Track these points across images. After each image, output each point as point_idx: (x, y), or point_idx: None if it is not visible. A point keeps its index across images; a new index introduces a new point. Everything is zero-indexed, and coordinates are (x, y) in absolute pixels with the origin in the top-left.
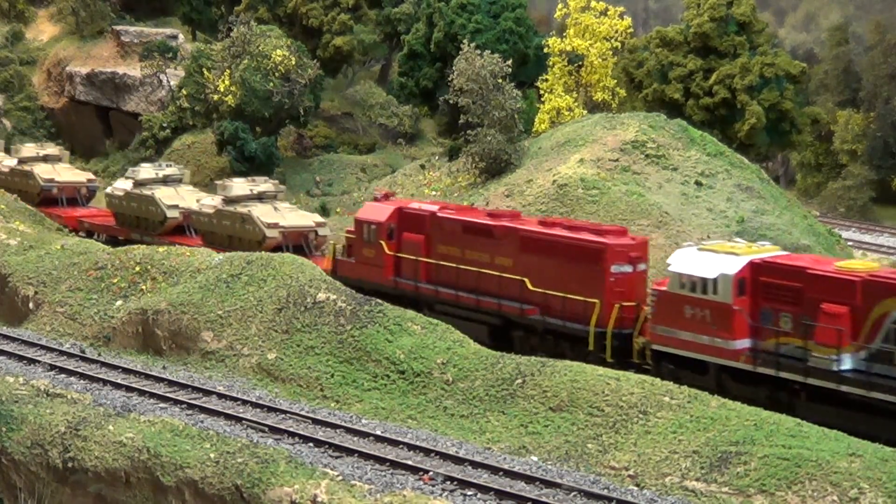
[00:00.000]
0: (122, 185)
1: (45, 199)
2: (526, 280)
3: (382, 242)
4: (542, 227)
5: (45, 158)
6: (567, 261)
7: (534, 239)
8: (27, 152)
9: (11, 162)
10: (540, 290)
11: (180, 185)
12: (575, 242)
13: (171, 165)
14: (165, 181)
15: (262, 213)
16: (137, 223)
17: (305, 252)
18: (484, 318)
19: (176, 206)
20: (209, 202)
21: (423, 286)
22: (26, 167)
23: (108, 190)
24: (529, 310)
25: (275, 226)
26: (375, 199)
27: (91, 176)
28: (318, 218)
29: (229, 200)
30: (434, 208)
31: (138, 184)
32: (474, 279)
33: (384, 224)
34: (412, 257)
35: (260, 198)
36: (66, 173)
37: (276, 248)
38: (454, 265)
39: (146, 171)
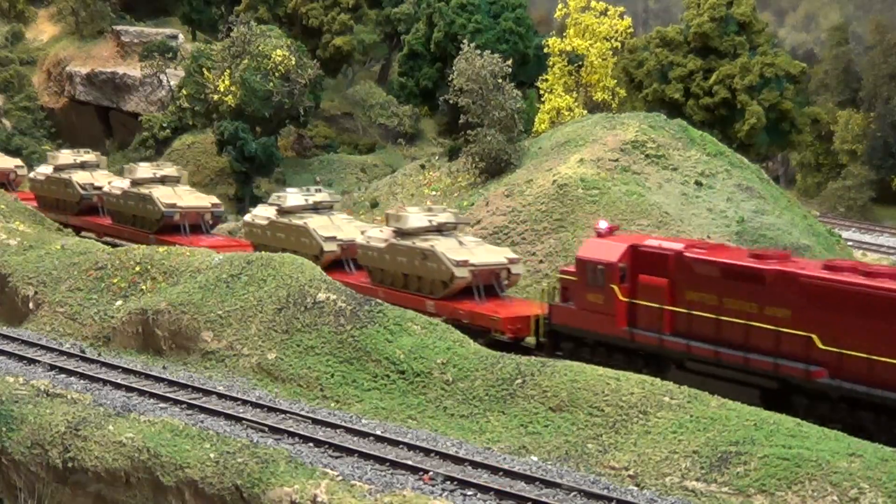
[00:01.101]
0: (264, 212)
1: (165, 226)
2: (813, 337)
3: (614, 287)
4: (831, 273)
5: (163, 180)
6: (871, 315)
7: (822, 287)
8: (142, 173)
9: (123, 183)
10: (833, 349)
11: (331, 212)
12: (883, 293)
13: (320, 190)
14: (317, 209)
15: (448, 248)
16: None
17: (497, 291)
18: (754, 380)
19: (333, 239)
20: (378, 234)
21: (669, 339)
22: (143, 190)
23: (248, 218)
24: (817, 372)
25: (464, 263)
26: (598, 234)
27: (216, 200)
28: (510, 253)
29: (403, 233)
30: (678, 246)
31: (284, 212)
32: (740, 333)
33: (615, 265)
34: (653, 305)
35: (440, 230)
36: (189, 197)
37: (466, 289)
38: (711, 315)
39: (294, 197)
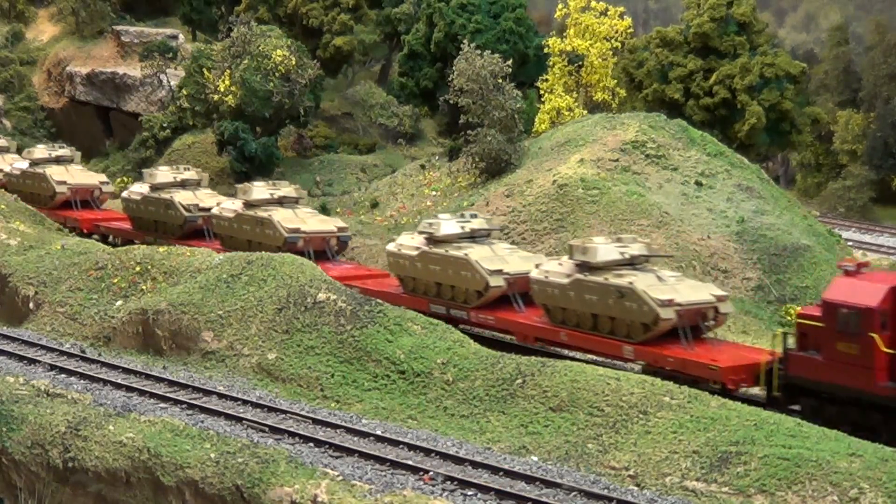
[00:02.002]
0: (411, 241)
1: (291, 252)
2: None
3: (873, 335)
4: None
5: (282, 202)
6: None
7: None
8: (258, 194)
9: (235, 205)
10: None
11: (490, 241)
12: None
13: (475, 216)
14: (474, 237)
15: (650, 285)
16: (438, 292)
17: (701, 333)
18: None
19: (500, 272)
20: (557, 268)
21: None
22: (261, 213)
23: (393, 248)
24: None
25: (669, 303)
26: (846, 273)
27: (341, 223)
28: (715, 289)
29: (591, 267)
30: None
31: (437, 241)
32: None
33: (874, 310)
34: None
35: (632, 263)
36: (312, 221)
37: (669, 332)
38: None
39: (449, 224)
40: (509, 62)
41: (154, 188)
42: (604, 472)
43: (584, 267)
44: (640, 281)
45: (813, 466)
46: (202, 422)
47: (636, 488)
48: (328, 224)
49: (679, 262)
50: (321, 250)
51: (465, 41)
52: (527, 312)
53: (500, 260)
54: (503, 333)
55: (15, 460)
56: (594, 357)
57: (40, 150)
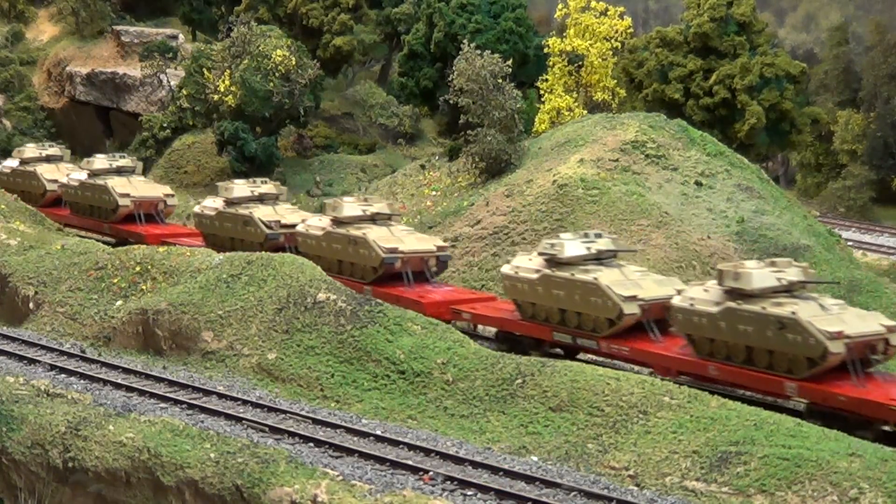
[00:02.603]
0: (528, 263)
1: (387, 274)
2: None
3: None
4: None
5: (375, 219)
6: None
7: None
8: (350, 210)
9: (322, 222)
10: None
11: (615, 262)
12: None
13: (600, 235)
14: (600, 259)
15: (814, 316)
16: (563, 319)
17: (870, 363)
18: None
19: (634, 298)
20: (702, 294)
21: None
22: (354, 232)
23: (509, 270)
24: None
25: (838, 335)
26: None
27: (440, 241)
28: (884, 318)
29: (745, 295)
30: None
31: (560, 263)
32: None
33: None
34: None
35: (789, 290)
36: (410, 239)
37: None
38: None
39: (573, 245)
40: (509, 62)
41: (230, 203)
42: (604, 472)
43: (735, 294)
44: (804, 310)
45: (813, 466)
46: (202, 422)
47: (636, 488)
48: (426, 243)
49: (680, 263)
50: (419, 271)
51: (464, 41)
52: (665, 342)
53: (633, 284)
54: (638, 365)
55: (15, 460)
56: (751, 394)
57: (100, 161)
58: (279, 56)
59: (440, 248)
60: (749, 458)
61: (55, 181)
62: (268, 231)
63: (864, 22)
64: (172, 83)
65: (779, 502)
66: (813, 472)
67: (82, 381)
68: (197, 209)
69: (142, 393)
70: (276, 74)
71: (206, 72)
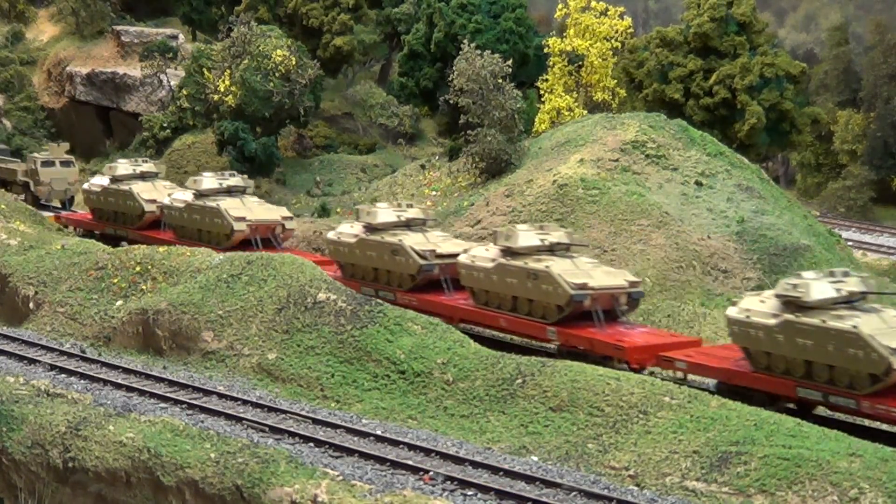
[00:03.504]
0: (760, 305)
1: (575, 314)
2: None
3: None
4: None
5: (552, 249)
6: None
7: None
8: (526, 240)
9: (489, 252)
10: None
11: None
12: None
13: (848, 274)
14: (850, 301)
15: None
16: (808, 372)
17: None
18: None
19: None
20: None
21: None
22: (533, 264)
23: (737, 314)
24: None
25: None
26: None
27: (632, 276)
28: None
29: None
30: None
31: (806, 308)
32: None
33: None
34: None
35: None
36: (597, 273)
37: None
38: None
39: (820, 287)
40: (509, 62)
41: (372, 229)
42: (604, 472)
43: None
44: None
45: (813, 466)
46: (202, 422)
47: (636, 488)
48: (616, 277)
49: (680, 263)
50: (611, 309)
51: (465, 41)
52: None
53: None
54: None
55: (15, 460)
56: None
57: (209, 180)
58: (279, 56)
59: (632, 284)
60: (749, 458)
61: (153, 201)
62: (422, 262)
63: (864, 22)
64: (172, 83)
65: (779, 502)
66: (813, 472)
67: (82, 381)
68: (331, 235)
69: (142, 393)
70: (277, 74)
71: (206, 72)
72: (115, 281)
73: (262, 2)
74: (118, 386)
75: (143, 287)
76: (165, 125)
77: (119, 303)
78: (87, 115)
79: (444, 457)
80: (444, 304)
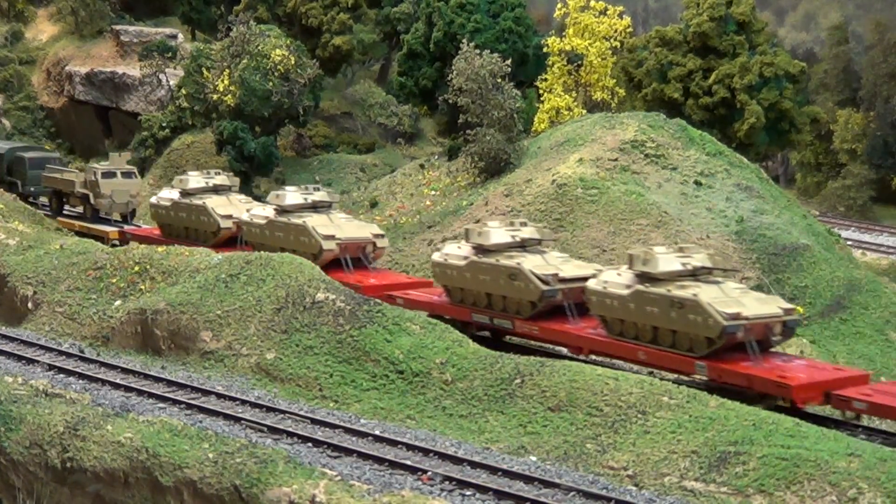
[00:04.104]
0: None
1: (727, 346)
2: None
3: None
4: None
5: (696, 274)
6: None
7: None
8: (666, 265)
9: (621, 277)
10: None
11: None
12: None
13: None
14: None
15: None
16: None
17: None
18: None
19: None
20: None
21: None
22: (678, 292)
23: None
24: None
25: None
26: None
27: (785, 303)
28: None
29: None
30: None
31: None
32: None
33: None
34: None
35: None
36: (750, 301)
37: None
38: None
39: None
40: (508, 62)
41: (483, 250)
42: (602, 472)
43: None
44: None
45: (811, 466)
46: (201, 422)
47: (635, 488)
48: (770, 305)
49: None
50: (765, 339)
51: (464, 41)
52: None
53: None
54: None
55: (13, 460)
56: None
57: (292, 195)
58: (278, 55)
59: (787, 311)
60: (748, 458)
61: (229, 217)
62: (544, 287)
63: (863, 21)
64: (171, 83)
65: (777, 502)
66: (812, 472)
67: (81, 381)
68: (437, 256)
69: (140, 393)
70: (276, 74)
71: (205, 71)
72: (114, 281)
73: (261, 1)
74: (117, 386)
75: (142, 287)
76: (164, 125)
77: (118, 303)
78: (87, 114)
79: (443, 457)
80: (571, 333)
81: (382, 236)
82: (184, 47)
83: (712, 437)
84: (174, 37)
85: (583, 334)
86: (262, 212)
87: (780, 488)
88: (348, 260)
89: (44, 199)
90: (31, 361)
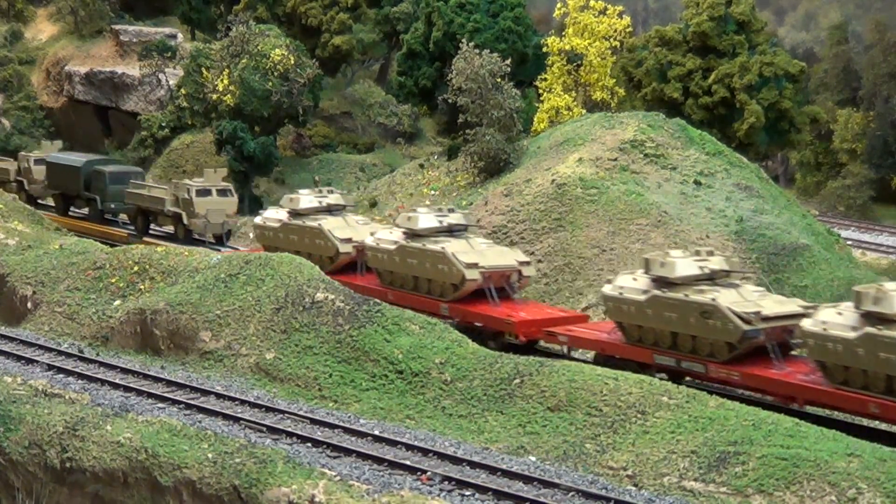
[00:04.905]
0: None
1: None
2: None
3: None
4: None
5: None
6: None
7: None
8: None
9: (844, 317)
10: None
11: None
12: None
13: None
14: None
15: None
16: None
17: None
18: None
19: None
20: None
21: None
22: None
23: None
24: None
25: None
26: None
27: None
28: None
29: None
30: None
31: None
32: None
33: None
34: None
35: None
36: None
37: None
38: None
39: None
40: (508, 61)
41: (666, 283)
42: (602, 473)
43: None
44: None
45: (811, 466)
46: (200, 422)
47: (634, 488)
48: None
49: None
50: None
51: (463, 40)
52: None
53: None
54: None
55: (12, 460)
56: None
57: (426, 218)
58: (278, 55)
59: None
60: (747, 458)
61: (349, 240)
62: (745, 327)
63: (863, 21)
64: (171, 82)
65: (777, 502)
66: (811, 472)
67: (80, 381)
68: (610, 290)
69: (140, 393)
70: (275, 74)
71: (204, 71)
72: (114, 281)
73: (260, 1)
74: (116, 386)
75: (142, 287)
76: (164, 124)
77: (117, 302)
78: (86, 114)
79: (442, 457)
80: (780, 381)
81: (528, 263)
82: (183, 47)
83: (712, 437)
84: (174, 36)
85: (795, 381)
86: (388, 235)
87: (780, 488)
88: (492, 290)
89: (124, 218)
90: (30, 361)
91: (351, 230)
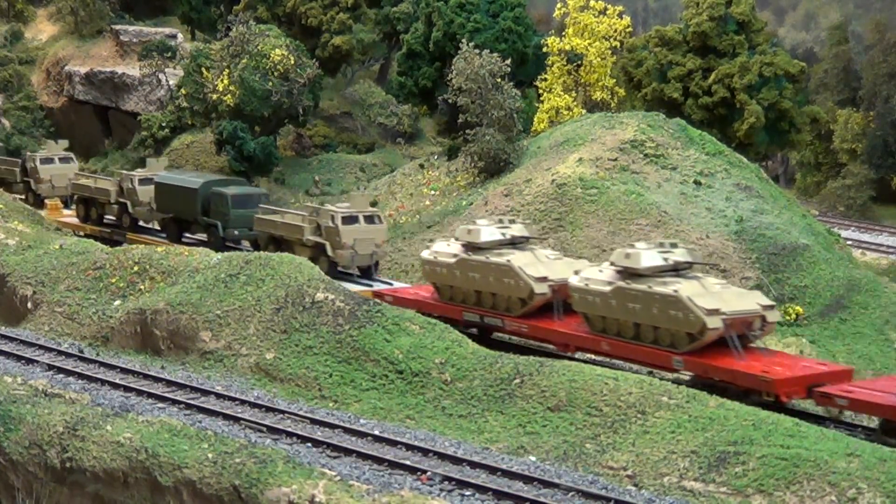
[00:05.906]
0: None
1: None
2: None
3: None
4: None
5: None
6: None
7: None
8: None
9: None
10: None
11: None
12: None
13: None
14: None
15: None
16: None
17: None
18: None
19: None
20: None
21: None
22: None
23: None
24: None
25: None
26: None
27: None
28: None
29: None
30: None
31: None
32: None
33: None
34: None
35: None
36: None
37: None
38: None
39: None
40: (508, 61)
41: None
42: (602, 473)
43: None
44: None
45: (811, 466)
46: (200, 422)
47: (634, 488)
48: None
49: None
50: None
51: (463, 40)
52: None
53: None
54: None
55: (12, 460)
56: None
57: (648, 255)
58: (278, 55)
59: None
60: (747, 458)
61: (544, 279)
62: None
63: (863, 21)
64: (171, 82)
65: (777, 502)
66: (811, 472)
67: (80, 381)
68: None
69: (140, 393)
70: (275, 74)
71: (204, 71)
72: (114, 281)
73: (260, 1)
74: (116, 386)
75: (142, 287)
76: (164, 125)
77: (117, 303)
78: (86, 114)
79: (442, 457)
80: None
81: (773, 308)
82: (183, 47)
83: (712, 437)
84: (174, 36)
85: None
86: (599, 275)
87: (780, 488)
88: (735, 339)
89: (246, 244)
90: (30, 361)
91: (544, 267)
